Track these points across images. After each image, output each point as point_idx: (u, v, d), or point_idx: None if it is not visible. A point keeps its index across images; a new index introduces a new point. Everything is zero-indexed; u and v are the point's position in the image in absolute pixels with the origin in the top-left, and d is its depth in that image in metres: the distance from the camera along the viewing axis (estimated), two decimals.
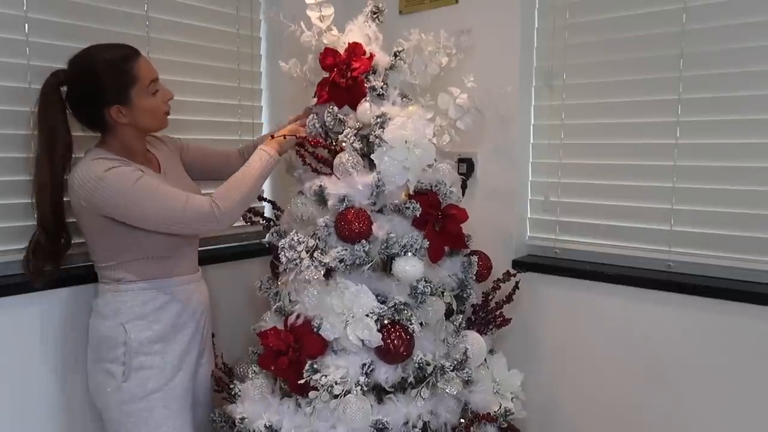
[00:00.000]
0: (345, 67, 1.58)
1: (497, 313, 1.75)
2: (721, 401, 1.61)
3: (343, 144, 1.55)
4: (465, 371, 1.53)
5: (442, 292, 1.60)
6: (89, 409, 1.62)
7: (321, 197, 1.53)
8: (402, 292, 1.50)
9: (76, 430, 1.65)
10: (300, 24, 1.66)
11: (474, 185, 2.00)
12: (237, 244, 2.09)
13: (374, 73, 1.63)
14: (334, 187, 1.49)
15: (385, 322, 1.45)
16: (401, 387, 1.50)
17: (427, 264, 1.54)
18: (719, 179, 1.64)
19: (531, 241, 2.01)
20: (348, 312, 1.43)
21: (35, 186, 1.47)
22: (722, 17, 1.61)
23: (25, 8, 1.55)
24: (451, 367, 1.50)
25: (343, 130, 1.58)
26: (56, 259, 1.51)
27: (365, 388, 1.43)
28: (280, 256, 1.43)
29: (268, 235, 1.67)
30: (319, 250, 1.44)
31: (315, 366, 1.44)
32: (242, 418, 1.50)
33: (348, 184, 1.49)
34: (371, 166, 1.53)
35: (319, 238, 1.48)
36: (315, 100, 1.67)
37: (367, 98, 1.59)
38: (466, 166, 2.00)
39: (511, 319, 1.79)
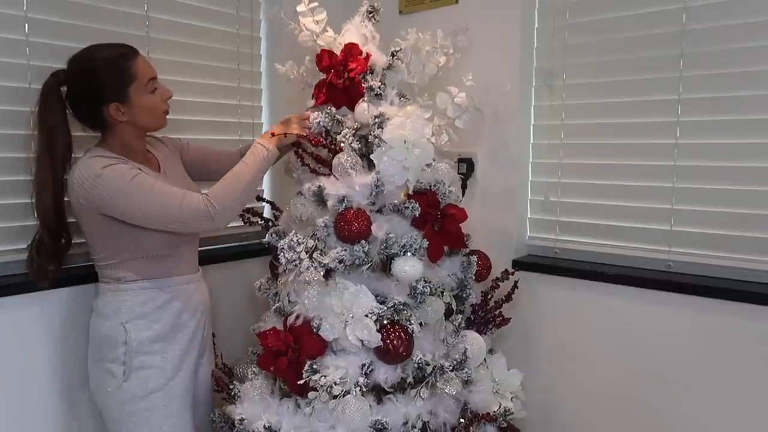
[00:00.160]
0: (342, 68, 1.58)
1: (496, 312, 1.75)
2: (720, 401, 1.60)
3: (342, 144, 1.55)
4: (464, 371, 1.53)
5: (442, 292, 1.60)
6: (89, 409, 1.63)
7: (320, 198, 1.53)
8: (401, 292, 1.50)
9: (76, 430, 1.65)
10: (299, 22, 1.65)
11: (474, 185, 2.00)
12: (237, 244, 2.09)
13: (372, 73, 1.63)
14: (333, 187, 1.49)
15: (385, 322, 1.45)
16: (400, 387, 1.50)
17: (427, 264, 1.54)
18: (719, 179, 1.64)
19: (531, 241, 2.00)
20: (347, 312, 1.43)
21: (36, 186, 1.48)
22: (722, 17, 1.60)
23: (25, 8, 1.55)
24: (451, 367, 1.50)
25: (341, 131, 1.58)
26: (59, 258, 1.51)
27: (364, 389, 1.43)
28: (279, 256, 1.43)
29: (267, 235, 1.67)
30: (319, 251, 1.44)
31: (314, 366, 1.44)
32: (242, 419, 1.50)
33: (347, 184, 1.49)
34: (370, 166, 1.53)
35: (318, 238, 1.48)
36: (313, 102, 1.67)
37: (365, 98, 1.59)
38: (466, 166, 2.00)
39: (510, 318, 1.79)
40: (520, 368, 1.77)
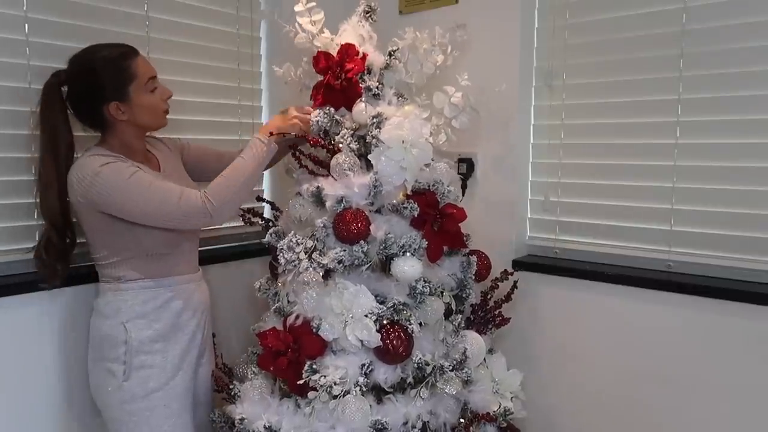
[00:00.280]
0: (339, 69, 1.58)
1: (496, 312, 1.75)
2: (720, 401, 1.60)
3: (340, 145, 1.55)
4: (464, 371, 1.53)
5: (441, 292, 1.60)
6: (90, 409, 1.63)
7: (319, 198, 1.52)
8: (401, 293, 1.50)
9: (76, 430, 1.65)
10: (295, 25, 1.65)
11: (474, 185, 2.00)
12: (237, 244, 2.09)
13: (369, 73, 1.63)
14: (331, 188, 1.49)
15: (384, 322, 1.45)
16: (400, 387, 1.50)
17: (426, 264, 1.54)
18: (719, 179, 1.64)
19: (531, 241, 2.00)
20: (347, 312, 1.43)
21: (41, 186, 1.48)
22: (722, 17, 1.60)
23: (25, 8, 1.55)
24: (451, 367, 1.50)
25: (340, 131, 1.58)
26: (66, 257, 1.52)
27: (364, 389, 1.43)
28: (278, 257, 1.43)
29: (267, 235, 1.67)
30: (318, 251, 1.44)
31: (314, 366, 1.44)
32: (242, 419, 1.51)
33: (345, 185, 1.49)
34: (368, 166, 1.53)
35: (317, 239, 1.47)
36: (312, 103, 1.67)
37: (363, 98, 1.58)
38: (466, 167, 2.00)
39: (510, 318, 1.79)
40: (519, 368, 1.77)
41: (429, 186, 1.56)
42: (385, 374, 1.47)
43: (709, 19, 1.62)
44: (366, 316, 1.43)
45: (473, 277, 1.69)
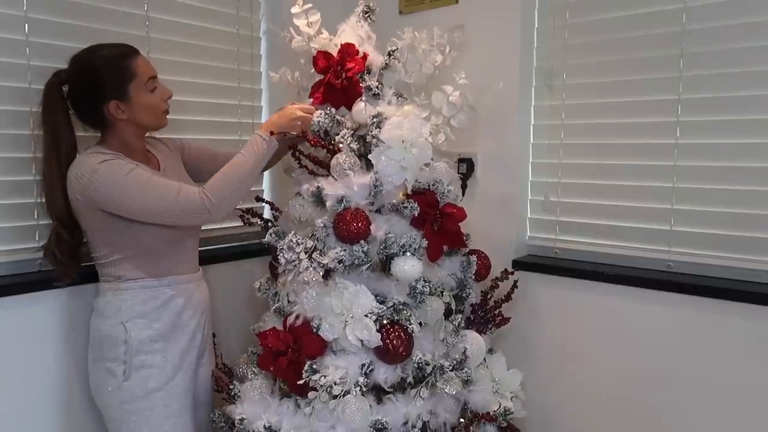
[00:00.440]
0: (339, 67, 1.58)
1: (496, 312, 1.75)
2: (720, 401, 1.60)
3: (340, 145, 1.55)
4: (464, 371, 1.53)
5: (441, 292, 1.60)
6: (90, 409, 1.63)
7: (319, 198, 1.53)
8: (401, 292, 1.50)
9: (76, 430, 1.65)
10: (289, 30, 1.65)
11: (474, 185, 2.00)
12: (237, 244, 2.09)
13: (369, 72, 1.63)
14: (331, 188, 1.49)
15: (384, 322, 1.45)
16: (400, 387, 1.50)
17: (426, 263, 1.54)
18: (719, 179, 1.63)
19: (531, 241, 2.00)
20: (347, 312, 1.43)
21: (46, 185, 1.49)
22: (722, 17, 1.60)
23: (25, 8, 1.55)
24: (451, 367, 1.50)
25: (340, 131, 1.58)
26: (75, 254, 1.52)
27: (364, 389, 1.43)
28: (278, 257, 1.43)
29: (267, 236, 1.67)
30: (318, 251, 1.44)
31: (314, 366, 1.44)
32: (242, 419, 1.51)
33: (345, 184, 1.49)
34: (368, 166, 1.53)
35: (317, 239, 1.48)
36: (311, 101, 1.67)
37: (363, 98, 1.58)
38: (466, 167, 2.00)
39: (510, 318, 1.79)
40: (519, 368, 1.77)
41: (429, 185, 1.57)
42: (385, 374, 1.47)
43: (709, 19, 1.62)
44: (366, 315, 1.43)
45: (473, 277, 1.69)
